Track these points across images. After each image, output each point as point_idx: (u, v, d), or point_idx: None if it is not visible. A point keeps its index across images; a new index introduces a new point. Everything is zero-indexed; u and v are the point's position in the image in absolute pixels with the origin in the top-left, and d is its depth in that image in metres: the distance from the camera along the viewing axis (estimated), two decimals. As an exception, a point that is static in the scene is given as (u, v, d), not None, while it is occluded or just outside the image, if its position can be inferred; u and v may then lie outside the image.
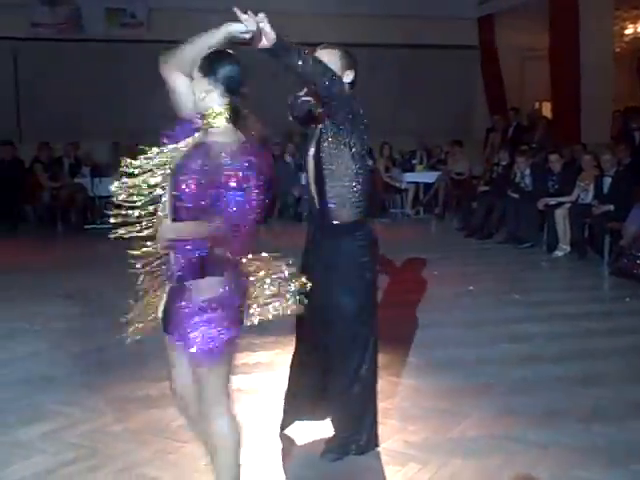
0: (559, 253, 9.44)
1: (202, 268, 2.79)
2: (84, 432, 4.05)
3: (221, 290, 2.77)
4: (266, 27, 3.02)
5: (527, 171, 10.60)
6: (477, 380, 4.88)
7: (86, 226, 12.26)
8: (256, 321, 2.98)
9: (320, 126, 3.55)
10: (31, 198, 12.70)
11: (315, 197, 3.61)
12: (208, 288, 2.77)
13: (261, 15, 3.01)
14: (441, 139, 14.19)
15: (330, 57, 3.45)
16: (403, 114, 15.15)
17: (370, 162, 13.88)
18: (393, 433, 4.00)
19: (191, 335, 2.75)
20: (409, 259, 9.21)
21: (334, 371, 3.67)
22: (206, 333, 2.74)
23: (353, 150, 3.49)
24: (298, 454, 3.81)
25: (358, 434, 3.72)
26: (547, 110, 14.58)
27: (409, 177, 13.57)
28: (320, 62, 3.30)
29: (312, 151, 3.59)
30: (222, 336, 2.75)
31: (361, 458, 3.76)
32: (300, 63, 3.18)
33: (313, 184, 3.61)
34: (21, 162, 12.77)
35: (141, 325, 3.07)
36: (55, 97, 14.20)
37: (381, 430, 3.93)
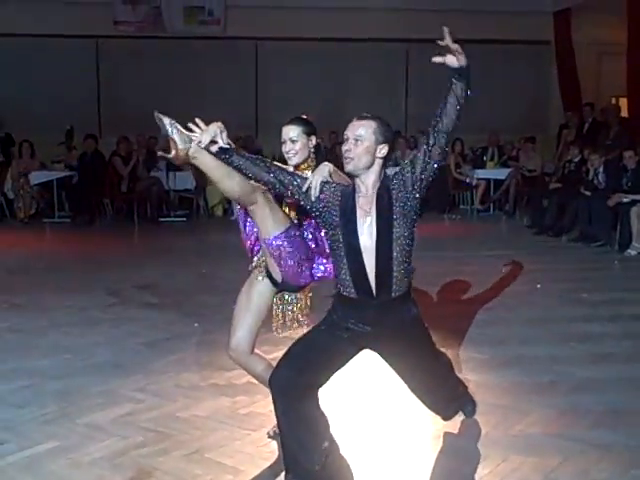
0: (632, 252, 9.26)
1: None
2: (154, 417, 4.21)
3: None
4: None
5: (600, 168, 10.44)
6: (541, 378, 4.87)
7: (161, 219, 12.60)
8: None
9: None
10: (109, 191, 13.10)
11: (372, 269, 3.18)
12: None
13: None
14: (513, 135, 14.06)
15: (364, 130, 3.18)
16: (475, 110, 14.98)
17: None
18: (454, 427, 4.05)
19: None
20: (477, 256, 9.21)
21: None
22: None
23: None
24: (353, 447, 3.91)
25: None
26: (624, 106, 14.28)
27: (480, 173, 13.49)
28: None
29: (370, 222, 3.17)
30: None
31: (421, 452, 3.83)
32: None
33: (372, 253, 3.17)
34: (102, 156, 13.13)
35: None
36: (135, 92, 14.60)
37: (442, 424, 4.00)
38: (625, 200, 9.60)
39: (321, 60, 15.06)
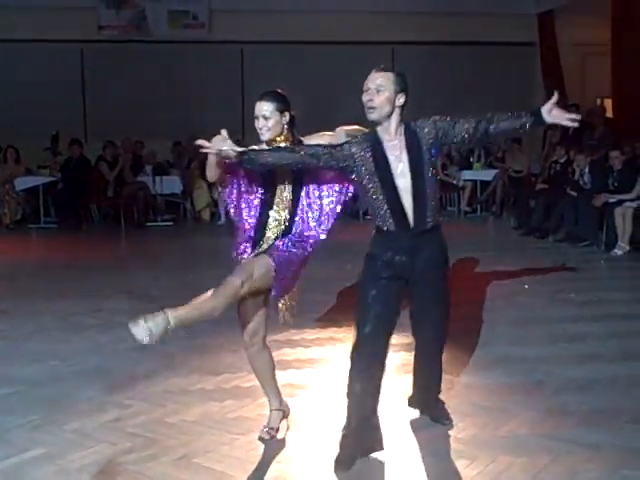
0: (618, 252, 9.32)
1: None
2: (142, 423, 4.19)
3: None
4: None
5: (586, 169, 10.49)
6: (529, 378, 4.88)
7: (148, 223, 12.57)
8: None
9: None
10: (96, 196, 13.06)
11: (410, 204, 3.64)
12: None
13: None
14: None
15: (383, 81, 3.58)
16: (461, 112, 15.07)
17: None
18: (442, 429, 4.05)
19: None
20: (464, 257, 9.21)
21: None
22: None
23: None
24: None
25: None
26: (609, 107, 14.36)
27: (467, 175, 13.52)
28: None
29: (402, 165, 3.63)
30: None
31: (410, 453, 3.83)
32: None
33: (408, 191, 3.63)
34: (88, 161, 13.10)
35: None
36: (120, 97, 14.56)
37: (430, 426, 4.00)
38: (611, 200, 9.65)
39: (307, 63, 15.05)
